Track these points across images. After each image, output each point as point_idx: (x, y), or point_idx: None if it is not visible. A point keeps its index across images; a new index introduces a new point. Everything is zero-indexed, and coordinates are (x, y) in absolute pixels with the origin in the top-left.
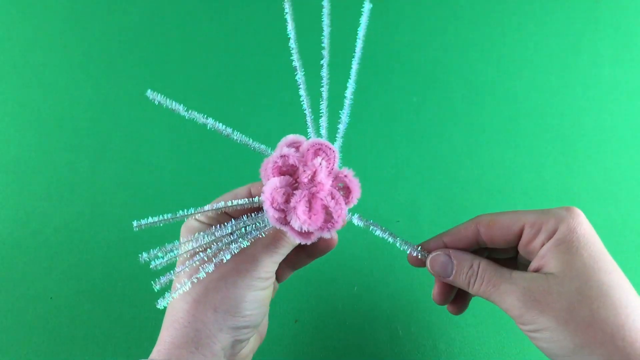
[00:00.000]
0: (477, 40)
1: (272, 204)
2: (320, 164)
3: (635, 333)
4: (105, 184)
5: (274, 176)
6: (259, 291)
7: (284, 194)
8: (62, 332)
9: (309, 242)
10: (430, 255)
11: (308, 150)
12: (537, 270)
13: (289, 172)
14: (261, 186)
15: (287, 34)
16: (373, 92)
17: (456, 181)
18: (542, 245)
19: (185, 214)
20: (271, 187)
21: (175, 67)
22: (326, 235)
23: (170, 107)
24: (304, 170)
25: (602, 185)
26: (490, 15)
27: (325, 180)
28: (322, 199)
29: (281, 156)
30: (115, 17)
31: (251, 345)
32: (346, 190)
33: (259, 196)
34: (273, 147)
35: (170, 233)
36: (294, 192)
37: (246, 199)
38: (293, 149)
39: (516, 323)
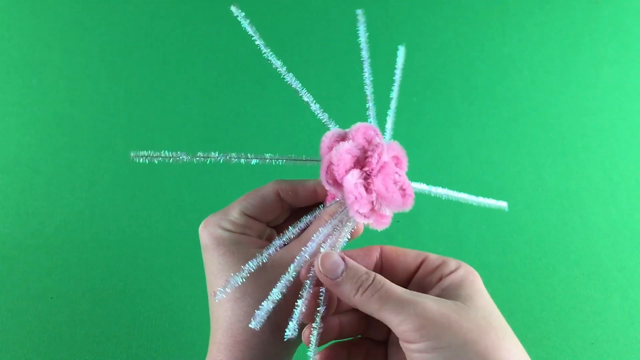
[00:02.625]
0: (477, 40)
1: (360, 201)
2: (381, 144)
3: None
4: (105, 184)
5: (344, 176)
6: None
7: (361, 186)
8: (62, 332)
9: (388, 226)
10: (322, 253)
11: (359, 137)
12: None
13: (353, 165)
14: (293, 189)
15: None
16: (373, 92)
17: (456, 181)
18: (440, 279)
19: (188, 156)
20: (352, 184)
21: (175, 67)
22: (407, 209)
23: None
24: (369, 156)
25: (602, 185)
26: (490, 15)
27: (387, 159)
28: (391, 177)
29: (346, 152)
30: (115, 17)
31: None
32: (396, 161)
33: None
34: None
35: (171, 232)
36: (368, 181)
37: (332, 202)
38: (347, 142)
39: (403, 340)
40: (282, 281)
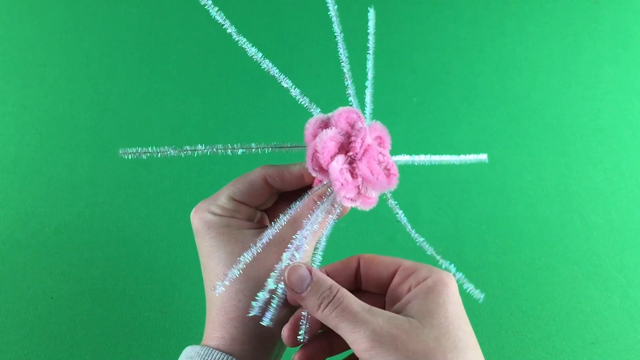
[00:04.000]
0: (477, 40)
1: (347, 186)
2: (364, 128)
3: None
4: (105, 184)
5: (329, 162)
6: None
7: (347, 172)
8: (62, 332)
9: (374, 206)
10: (290, 265)
11: (342, 121)
12: (398, 312)
13: (337, 151)
14: (280, 174)
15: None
16: (373, 92)
17: (456, 181)
18: (409, 290)
19: (175, 150)
20: (336, 171)
21: (175, 67)
22: (392, 188)
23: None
24: (353, 141)
25: (602, 185)
26: (490, 15)
27: (370, 141)
28: (375, 159)
29: (331, 139)
30: (115, 17)
31: None
32: (379, 140)
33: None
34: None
35: (171, 232)
36: (352, 165)
37: (320, 186)
38: (330, 129)
39: (359, 357)
40: (246, 254)
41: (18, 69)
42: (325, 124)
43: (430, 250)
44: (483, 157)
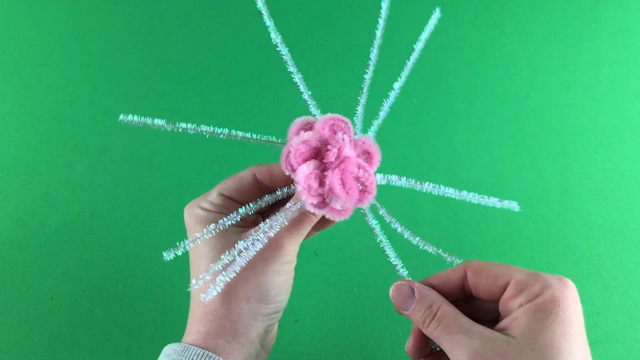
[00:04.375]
0: (477, 40)
1: (309, 192)
2: (343, 139)
3: None
4: (105, 184)
5: (300, 164)
6: (286, 275)
7: (315, 178)
8: (62, 332)
9: (346, 218)
10: (395, 283)
11: (323, 128)
12: (503, 329)
13: (313, 155)
14: (269, 170)
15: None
16: (373, 92)
17: (456, 181)
18: (520, 306)
19: (176, 125)
20: (304, 175)
21: (175, 67)
22: (364, 206)
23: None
24: (329, 149)
25: (602, 185)
26: (490, 15)
27: (350, 153)
28: (351, 172)
29: (303, 142)
30: (115, 17)
31: (276, 326)
32: (367, 156)
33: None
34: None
35: (171, 232)
36: (325, 173)
37: (279, 191)
38: (309, 132)
39: None
40: (226, 254)
41: (18, 69)
42: (309, 127)
43: (432, 249)
44: (515, 206)
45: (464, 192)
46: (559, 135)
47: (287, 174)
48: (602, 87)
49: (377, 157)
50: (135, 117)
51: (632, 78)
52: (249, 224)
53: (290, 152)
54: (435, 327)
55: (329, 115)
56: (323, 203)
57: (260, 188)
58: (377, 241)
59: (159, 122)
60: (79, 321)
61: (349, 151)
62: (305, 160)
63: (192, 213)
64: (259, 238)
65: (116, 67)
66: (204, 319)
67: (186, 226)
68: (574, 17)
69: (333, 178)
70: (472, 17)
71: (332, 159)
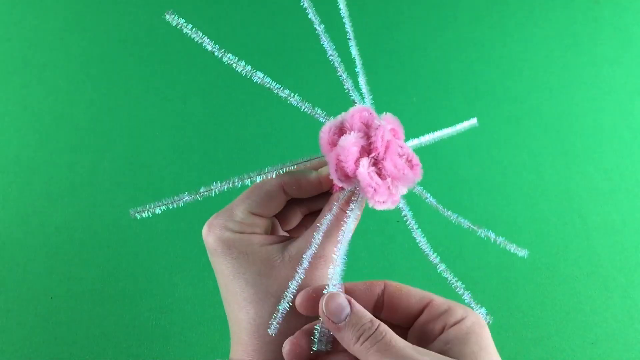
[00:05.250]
0: (477, 40)
1: (378, 190)
2: (381, 125)
3: None
4: (105, 184)
5: (355, 169)
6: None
7: (374, 174)
8: (62, 332)
9: (399, 202)
10: (329, 291)
11: (358, 122)
12: (441, 352)
13: (360, 154)
14: (297, 182)
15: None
16: (373, 92)
17: (456, 181)
18: (442, 329)
19: (190, 196)
20: (366, 177)
21: (175, 67)
22: (418, 180)
23: (193, 36)
24: (373, 140)
25: (602, 185)
26: (490, 15)
27: (389, 136)
28: (396, 153)
29: (354, 144)
30: (115, 17)
31: None
32: (393, 132)
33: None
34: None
35: (171, 232)
36: (379, 166)
37: (345, 193)
38: (350, 134)
39: None
40: (295, 280)
41: (18, 69)
42: (340, 129)
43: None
44: (473, 121)
45: (438, 132)
46: (559, 135)
47: (339, 185)
48: (602, 87)
49: (402, 130)
50: (147, 206)
51: (632, 78)
52: (277, 236)
53: (340, 162)
54: (371, 346)
55: (353, 108)
56: (389, 195)
57: (285, 199)
58: (397, 221)
59: (184, 197)
60: (79, 321)
61: (388, 134)
62: (356, 163)
63: (220, 237)
64: (339, 260)
65: (116, 67)
66: (264, 350)
67: (212, 252)
68: (574, 17)
69: (389, 166)
70: (472, 17)
71: (380, 148)
